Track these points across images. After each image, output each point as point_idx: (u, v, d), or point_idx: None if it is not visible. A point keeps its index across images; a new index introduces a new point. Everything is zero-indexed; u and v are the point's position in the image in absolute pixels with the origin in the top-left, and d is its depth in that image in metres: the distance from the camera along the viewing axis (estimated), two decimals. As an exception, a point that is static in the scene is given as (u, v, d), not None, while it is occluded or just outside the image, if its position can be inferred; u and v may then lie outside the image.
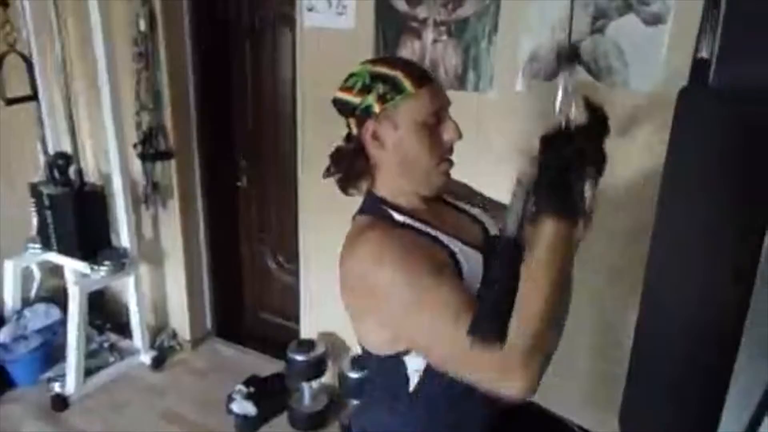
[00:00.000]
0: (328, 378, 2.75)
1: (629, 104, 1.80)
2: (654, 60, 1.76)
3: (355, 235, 1.05)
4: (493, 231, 1.21)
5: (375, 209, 1.10)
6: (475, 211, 1.26)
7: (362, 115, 1.06)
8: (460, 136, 1.07)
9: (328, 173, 1.14)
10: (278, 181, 3.01)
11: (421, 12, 2.10)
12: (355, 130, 1.10)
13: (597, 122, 0.97)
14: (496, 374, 0.87)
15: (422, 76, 1.06)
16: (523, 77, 1.96)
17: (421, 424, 1.13)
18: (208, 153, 3.08)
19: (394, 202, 1.10)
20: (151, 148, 2.87)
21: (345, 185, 1.14)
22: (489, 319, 0.87)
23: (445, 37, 2.08)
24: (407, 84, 1.03)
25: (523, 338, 0.86)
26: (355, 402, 2.52)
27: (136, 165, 2.92)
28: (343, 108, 1.10)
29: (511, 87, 2.00)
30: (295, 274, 3.04)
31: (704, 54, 1.53)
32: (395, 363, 1.05)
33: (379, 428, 1.19)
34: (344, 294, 1.07)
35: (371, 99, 1.04)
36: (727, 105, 0.71)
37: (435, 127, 1.05)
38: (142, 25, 2.70)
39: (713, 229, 0.70)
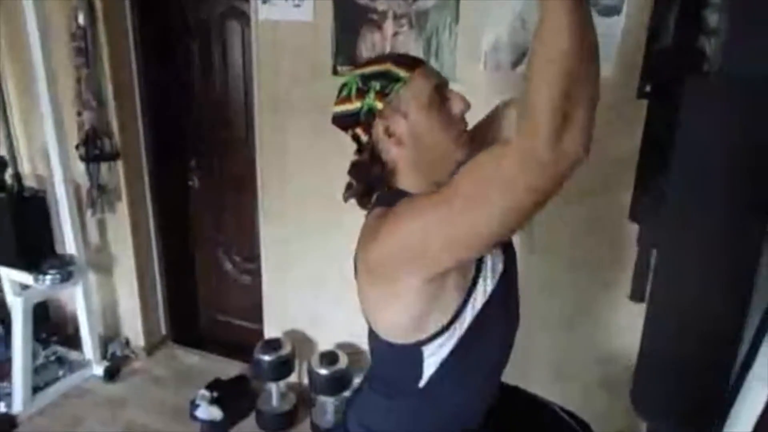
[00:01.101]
0: (294, 377, 2.71)
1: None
2: (609, 49, 1.82)
3: (374, 224, 1.00)
4: None
5: (395, 199, 1.03)
6: None
7: (368, 118, 1.04)
8: (468, 105, 1.06)
9: (349, 192, 1.10)
10: (232, 180, 2.93)
11: (381, 4, 2.09)
12: (365, 138, 1.07)
13: None
14: (548, 147, 0.75)
15: (412, 60, 1.07)
16: (485, 68, 1.99)
17: (426, 419, 1.12)
18: (156, 153, 2.96)
19: (417, 194, 1.05)
20: (95, 149, 2.73)
21: (365, 198, 1.11)
22: None
23: (405, 29, 2.08)
24: (400, 71, 1.03)
25: (552, 101, 0.75)
26: (325, 398, 2.50)
27: (80, 167, 2.76)
28: (347, 120, 1.07)
29: (473, 78, 2.02)
30: (254, 273, 2.98)
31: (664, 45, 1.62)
32: (412, 353, 1.04)
33: (380, 423, 1.18)
34: (367, 285, 1.03)
35: (371, 98, 1.03)
36: (744, 93, 0.74)
37: (442, 105, 1.05)
38: (81, 19, 2.55)
39: (730, 221, 0.73)
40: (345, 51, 2.18)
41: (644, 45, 1.78)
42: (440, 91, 1.05)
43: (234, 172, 2.90)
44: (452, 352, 1.02)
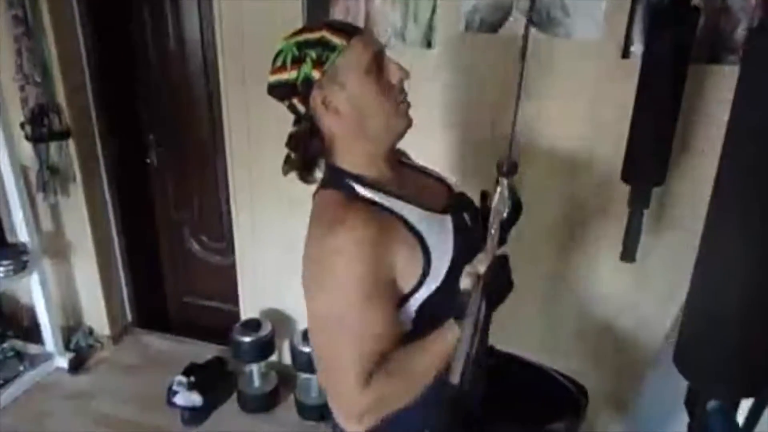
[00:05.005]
0: (273, 356, 2.64)
1: (571, 54, 1.84)
2: (595, 10, 1.79)
3: (330, 215, 0.99)
4: (457, 189, 1.23)
5: (339, 183, 1.05)
6: (436, 170, 1.27)
7: (304, 88, 1.00)
8: (407, 74, 1.04)
9: (288, 165, 1.07)
10: (194, 156, 2.78)
11: (354, -36, 1.98)
12: (302, 109, 1.03)
13: (517, 212, 1.12)
14: (350, 416, 0.98)
15: (348, 28, 1.03)
16: (465, 30, 1.93)
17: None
18: (110, 129, 2.76)
19: (358, 174, 1.05)
20: (42, 128, 2.52)
21: (305, 172, 1.08)
22: None
23: (381, -9, 1.98)
24: (337, 39, 0.99)
25: (388, 406, 0.98)
26: (309, 375, 2.46)
27: (27, 148, 2.55)
28: (283, 90, 1.03)
29: (453, 41, 1.96)
30: (223, 253, 2.87)
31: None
32: None
33: None
34: (305, 273, 1.03)
35: (307, 68, 0.98)
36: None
37: (380, 74, 1.02)
38: (18, -16, 2.32)
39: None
40: (317, 16, 2.07)
41: (630, 4, 1.76)
42: (378, 59, 1.02)
43: (195, 146, 2.75)
44: (423, 309, 1.03)
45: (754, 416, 1.03)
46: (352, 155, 1.06)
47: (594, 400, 1.39)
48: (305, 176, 1.08)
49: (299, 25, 2.04)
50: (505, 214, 1.02)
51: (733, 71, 1.62)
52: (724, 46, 1.68)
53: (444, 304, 1.00)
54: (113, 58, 2.66)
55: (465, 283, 0.96)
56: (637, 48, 1.76)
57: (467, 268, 0.97)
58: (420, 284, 1.01)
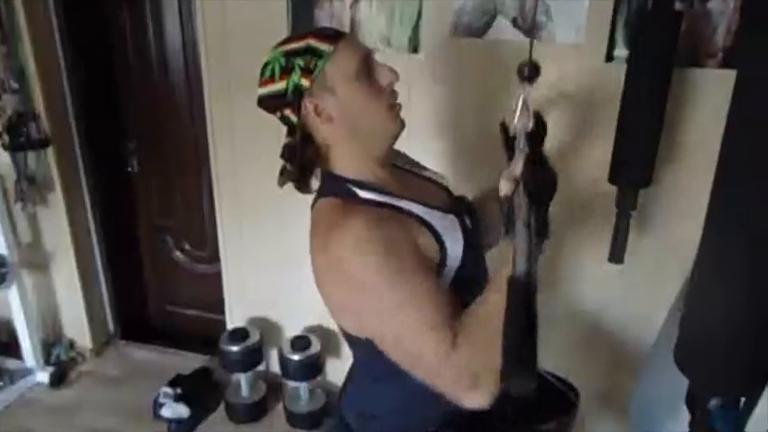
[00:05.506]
0: (261, 365, 2.61)
1: (555, 58, 1.85)
2: (578, 13, 1.81)
3: (327, 222, 0.97)
4: (455, 192, 1.23)
5: (338, 189, 1.03)
6: (430, 173, 1.26)
7: (295, 97, 1.00)
8: (397, 76, 1.04)
9: (284, 176, 1.06)
10: (176, 163, 2.75)
11: (338, -31, 1.98)
12: (294, 119, 1.02)
13: (541, 127, 0.99)
14: (464, 386, 0.89)
15: (334, 33, 1.03)
16: (452, 35, 1.94)
17: (416, 395, 1.05)
18: (90, 137, 2.71)
19: (356, 179, 1.04)
20: (20, 137, 2.46)
21: (302, 183, 1.07)
22: (518, 371, 0.84)
23: (366, -4, 1.98)
24: (323, 45, 0.99)
25: (492, 356, 0.85)
26: (298, 383, 2.43)
27: (4, 158, 2.49)
28: (273, 101, 1.02)
29: (439, 45, 1.96)
30: (206, 261, 2.84)
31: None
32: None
33: (376, 408, 1.15)
34: (323, 286, 1.00)
35: (296, 76, 0.99)
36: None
37: (369, 78, 1.02)
38: (-8, -11, 2.27)
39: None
40: (302, 21, 2.06)
41: (612, 8, 1.78)
42: (366, 63, 1.02)
43: (177, 153, 2.72)
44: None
45: (744, 415, 1.04)
46: (348, 161, 1.05)
47: (586, 400, 1.40)
48: (302, 187, 1.07)
49: (284, 29, 2.07)
50: (530, 126, 0.92)
51: (714, 74, 1.71)
52: (705, 49, 1.72)
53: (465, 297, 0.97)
54: (92, 63, 2.62)
55: (504, 187, 0.88)
56: (620, 51, 1.79)
57: (504, 173, 0.89)
58: (438, 274, 0.99)
